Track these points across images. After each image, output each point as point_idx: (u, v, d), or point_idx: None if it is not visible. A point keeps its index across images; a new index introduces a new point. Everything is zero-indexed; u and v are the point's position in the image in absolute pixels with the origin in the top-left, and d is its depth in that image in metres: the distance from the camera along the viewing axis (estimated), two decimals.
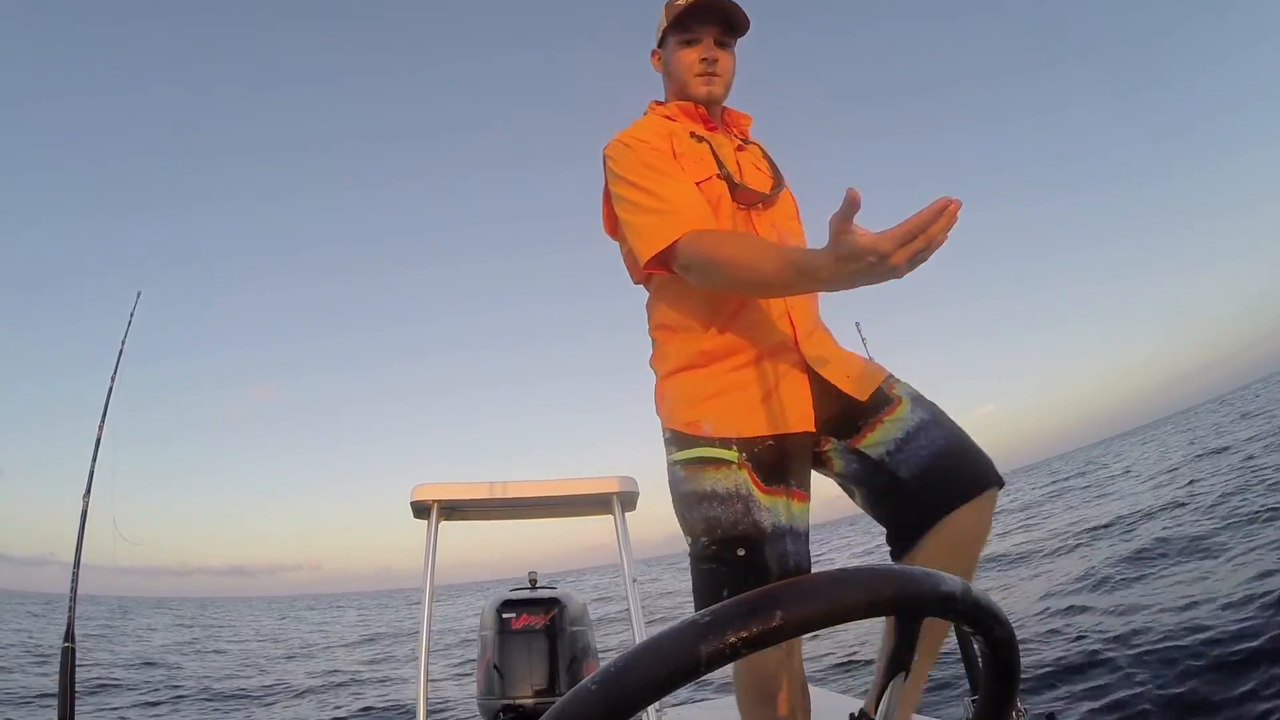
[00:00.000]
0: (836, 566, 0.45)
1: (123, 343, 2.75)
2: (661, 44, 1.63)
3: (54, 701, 2.08)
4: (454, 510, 2.49)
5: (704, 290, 1.39)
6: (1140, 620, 5.82)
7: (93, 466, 2.45)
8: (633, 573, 2.40)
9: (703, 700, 3.48)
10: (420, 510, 2.48)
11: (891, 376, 1.48)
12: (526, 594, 2.67)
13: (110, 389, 2.61)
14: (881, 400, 1.42)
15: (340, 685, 7.94)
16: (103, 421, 2.53)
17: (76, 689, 2.12)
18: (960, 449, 1.37)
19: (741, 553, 1.28)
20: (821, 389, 1.40)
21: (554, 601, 2.64)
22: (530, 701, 2.46)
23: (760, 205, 1.50)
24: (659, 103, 1.66)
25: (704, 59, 1.55)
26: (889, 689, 0.53)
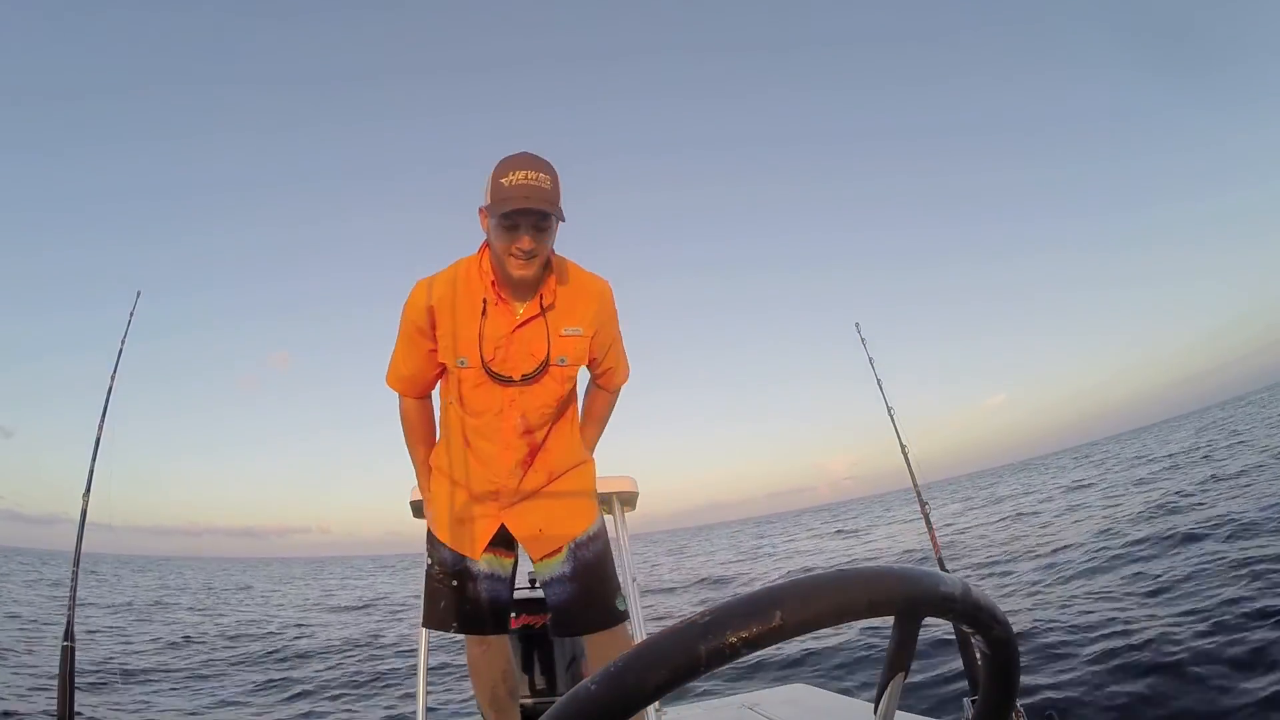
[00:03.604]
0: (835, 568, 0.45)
1: (122, 342, 2.74)
2: (489, 210, 1.78)
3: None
4: None
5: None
6: (1138, 621, 5.82)
7: (92, 466, 2.43)
8: (633, 572, 2.40)
9: (703, 700, 3.48)
10: (419, 510, 2.48)
11: (580, 538, 2.01)
12: (526, 594, 2.67)
13: (110, 388, 2.60)
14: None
15: (340, 683, 7.93)
16: (102, 421, 2.52)
17: (76, 686, 2.12)
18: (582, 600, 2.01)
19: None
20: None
21: None
22: (530, 701, 2.46)
23: (518, 383, 1.90)
24: (470, 257, 1.94)
25: (520, 249, 1.77)
26: (889, 688, 0.53)
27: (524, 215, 1.74)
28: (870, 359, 3.24)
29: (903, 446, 3.04)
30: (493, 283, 1.87)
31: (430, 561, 2.04)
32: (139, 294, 2.83)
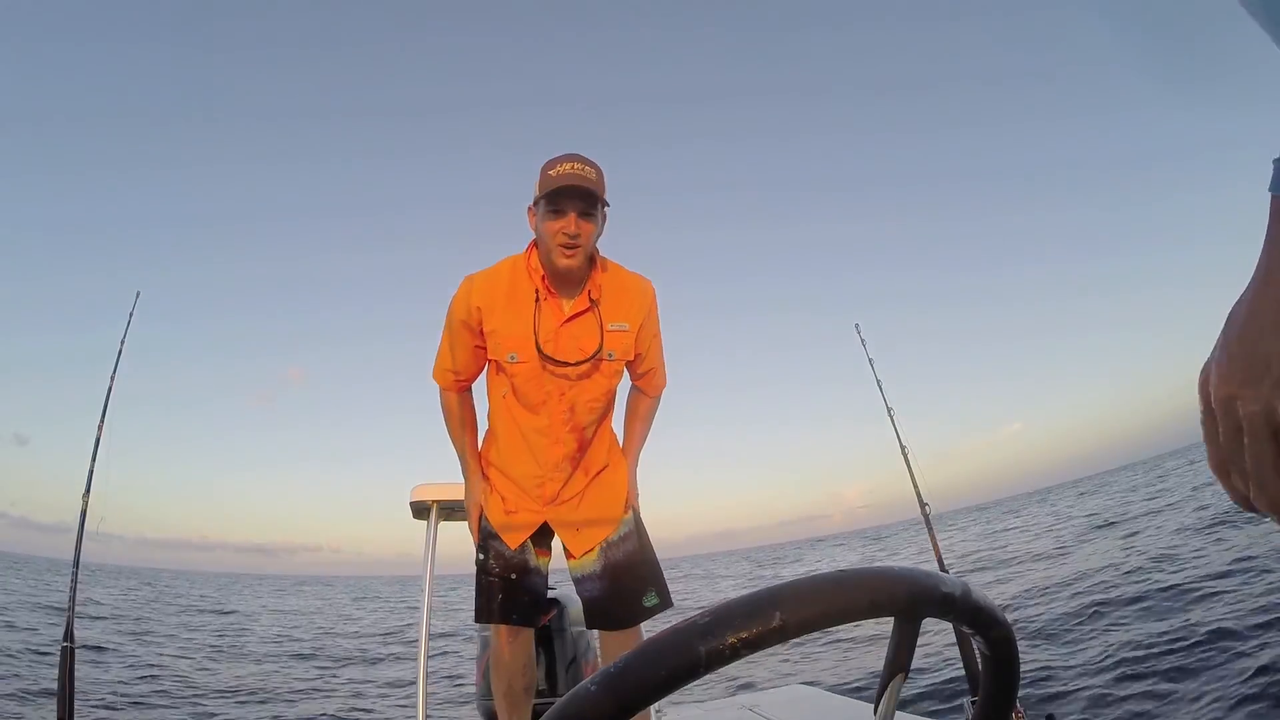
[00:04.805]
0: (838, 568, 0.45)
1: (122, 342, 2.75)
2: (537, 204, 1.90)
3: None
4: (454, 511, 2.49)
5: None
6: (1137, 621, 5.82)
7: (92, 466, 2.44)
8: None
9: (703, 701, 3.47)
10: (420, 511, 2.48)
11: (612, 538, 2.05)
12: None
13: (110, 389, 2.61)
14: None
15: (340, 684, 7.94)
16: (102, 421, 2.53)
17: (76, 688, 2.13)
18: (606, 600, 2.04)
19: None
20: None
21: (553, 602, 2.63)
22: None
23: (572, 373, 1.95)
24: (517, 255, 2.01)
25: (566, 233, 1.86)
26: (889, 689, 0.53)
27: (570, 200, 1.84)
28: (870, 360, 3.24)
29: (903, 448, 3.04)
30: (542, 277, 1.95)
31: (484, 556, 2.07)
32: (138, 294, 2.86)
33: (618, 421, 2.21)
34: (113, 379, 2.65)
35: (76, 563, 2.34)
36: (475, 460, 2.15)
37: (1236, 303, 0.45)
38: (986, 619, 0.47)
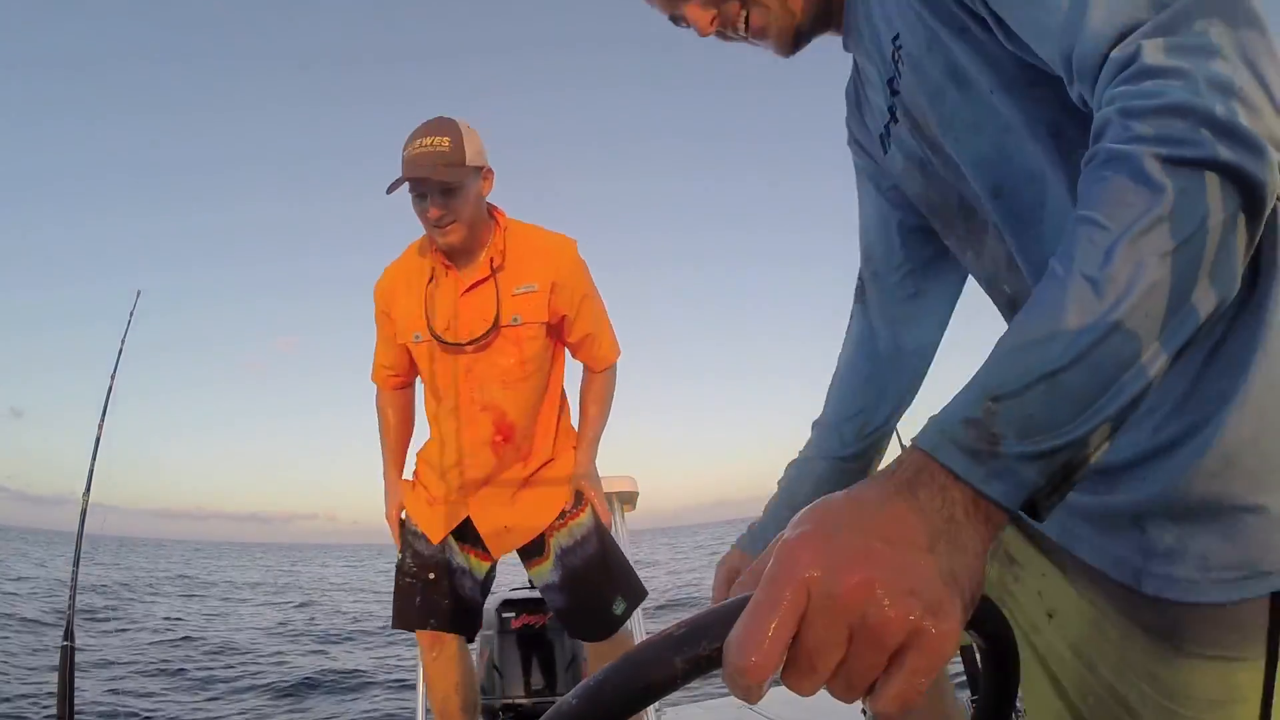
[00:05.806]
0: None
1: (122, 342, 2.73)
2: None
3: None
4: None
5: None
6: None
7: (92, 464, 2.43)
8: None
9: (703, 700, 3.48)
10: None
11: (556, 525, 1.91)
12: (526, 594, 2.67)
13: (110, 388, 2.60)
14: (532, 549, 1.93)
15: (339, 683, 7.94)
16: (102, 420, 2.51)
17: (76, 688, 2.12)
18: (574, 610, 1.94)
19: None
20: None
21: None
22: (529, 701, 2.46)
23: (469, 349, 1.83)
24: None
25: (428, 218, 1.74)
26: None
27: (420, 184, 1.71)
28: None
29: (903, 447, 3.04)
30: (440, 252, 1.85)
31: (403, 556, 1.93)
32: (139, 293, 2.83)
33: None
34: (113, 379, 2.62)
35: (76, 562, 2.33)
36: (397, 463, 2.05)
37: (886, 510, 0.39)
38: (986, 618, 0.46)
